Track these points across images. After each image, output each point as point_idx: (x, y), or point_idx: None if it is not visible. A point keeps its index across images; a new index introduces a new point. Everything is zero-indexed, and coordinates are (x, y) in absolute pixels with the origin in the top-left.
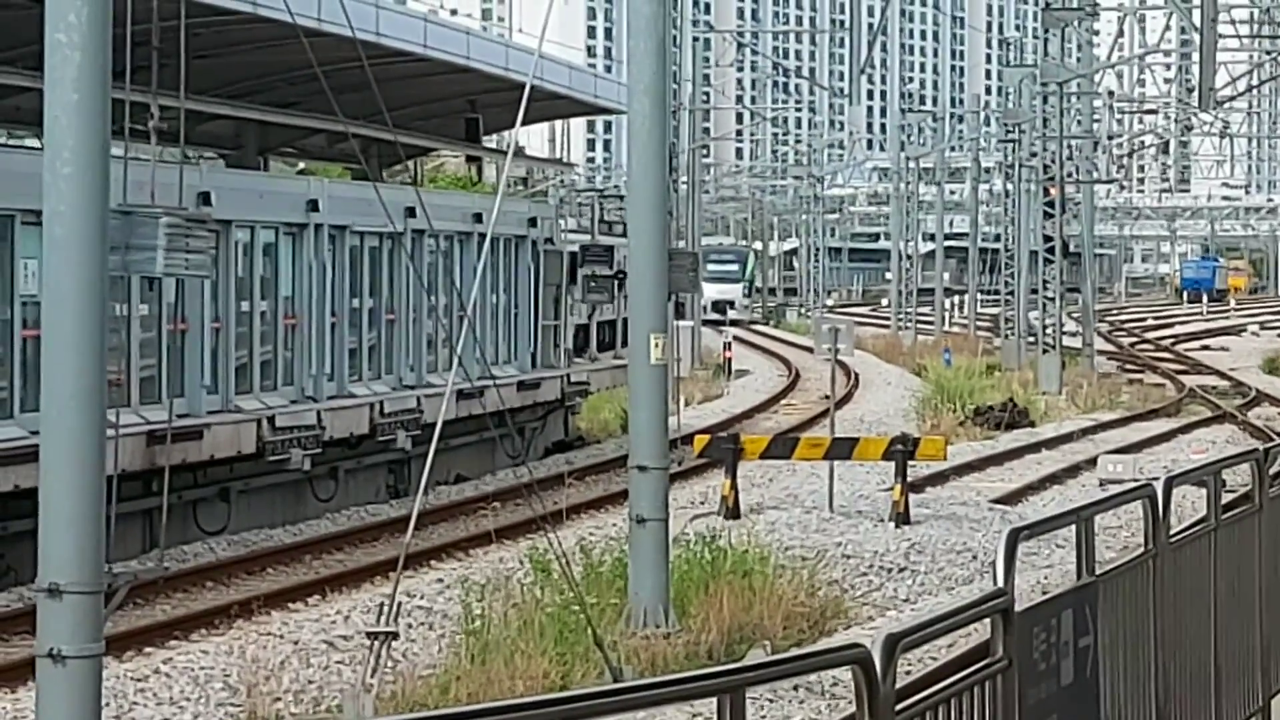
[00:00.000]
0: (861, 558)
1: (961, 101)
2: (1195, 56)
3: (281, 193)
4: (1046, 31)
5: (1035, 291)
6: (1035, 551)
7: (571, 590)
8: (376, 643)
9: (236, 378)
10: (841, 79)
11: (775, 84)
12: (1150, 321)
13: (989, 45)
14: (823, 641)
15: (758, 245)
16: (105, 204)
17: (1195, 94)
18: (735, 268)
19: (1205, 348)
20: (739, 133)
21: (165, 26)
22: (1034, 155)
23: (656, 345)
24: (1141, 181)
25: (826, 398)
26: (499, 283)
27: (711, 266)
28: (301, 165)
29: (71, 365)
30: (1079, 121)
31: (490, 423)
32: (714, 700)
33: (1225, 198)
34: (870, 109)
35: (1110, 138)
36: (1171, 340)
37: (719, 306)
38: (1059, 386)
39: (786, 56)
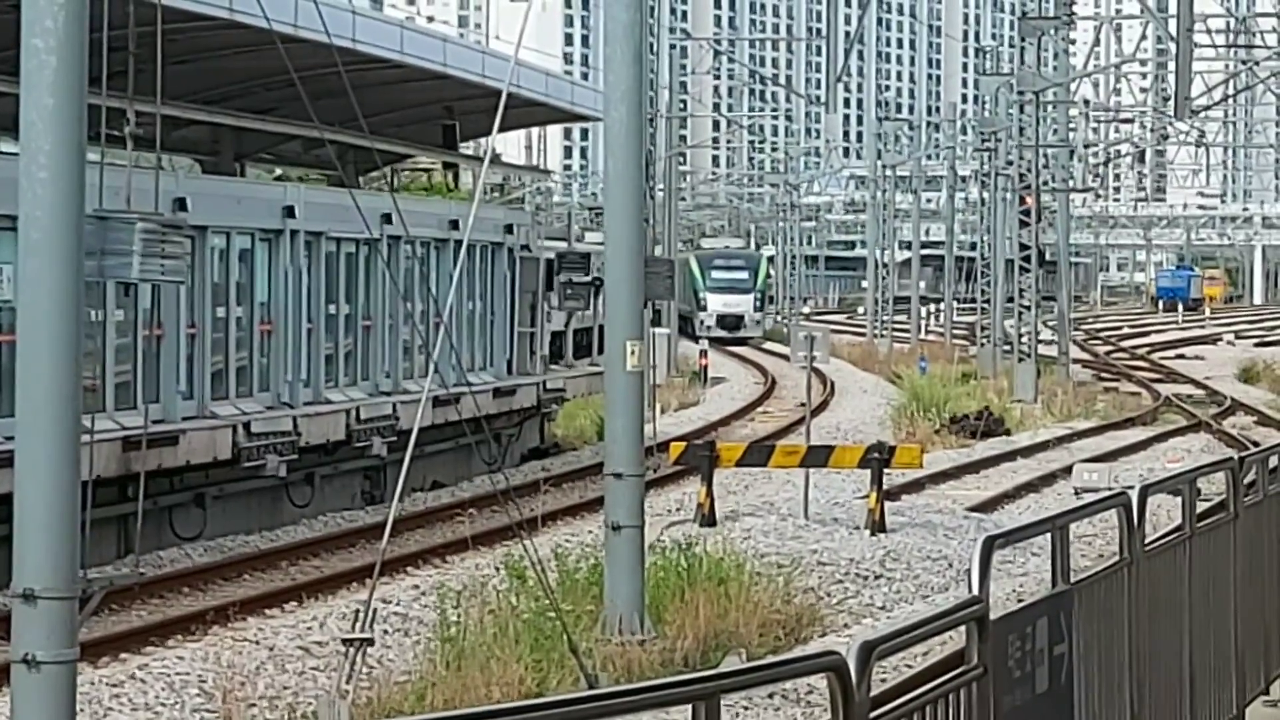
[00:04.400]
0: (837, 565)
1: (938, 110)
2: (1171, 66)
3: (257, 198)
4: (1023, 40)
5: (1011, 300)
6: (1010, 559)
7: (547, 597)
8: (352, 649)
9: (212, 384)
10: (818, 87)
11: (752, 91)
12: (1126, 330)
13: (965, 54)
14: (798, 649)
15: (768, 250)
16: (81, 209)
17: (1171, 103)
18: (745, 276)
19: (1181, 356)
20: (716, 140)
21: (142, 32)
22: (1010, 164)
23: (633, 352)
24: (1117, 190)
25: (802, 405)
26: (475, 289)
27: (716, 274)
28: (278, 171)
29: (47, 370)
30: (1055, 130)
31: (466, 429)
32: (689, 707)
33: (1201, 207)
34: (847, 117)
35: (1086, 146)
36: (1147, 349)
37: (726, 321)
38: (1034, 395)
39: (763, 64)
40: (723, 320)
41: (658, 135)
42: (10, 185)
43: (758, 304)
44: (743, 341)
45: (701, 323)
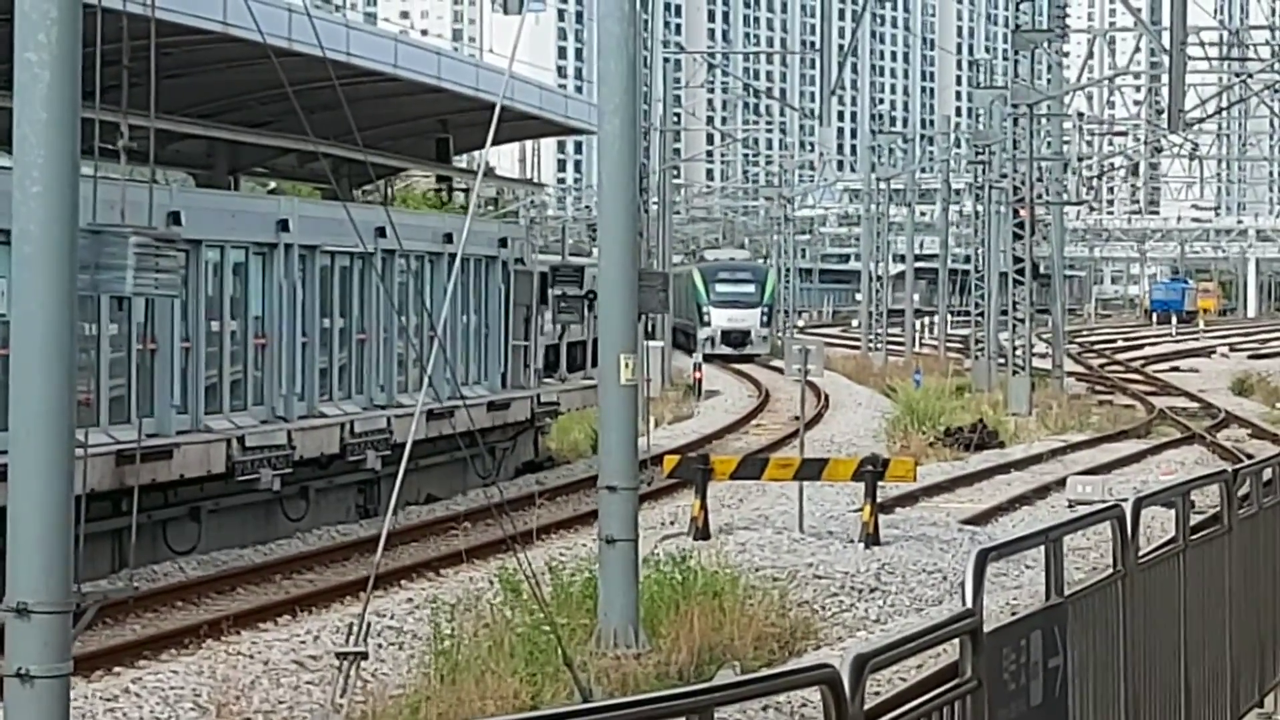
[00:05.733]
0: (831, 578)
1: (932, 123)
2: (1165, 78)
3: (252, 212)
4: (1016, 53)
5: (1005, 313)
6: (1004, 572)
7: (541, 610)
8: (346, 663)
9: (206, 397)
10: (812, 100)
11: (746, 105)
12: (1120, 343)
13: (959, 66)
14: (793, 662)
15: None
16: (74, 223)
17: (1165, 116)
18: (751, 289)
19: (1175, 369)
20: (709, 153)
21: (135, 46)
22: (1004, 177)
23: (626, 366)
24: (1111, 203)
25: (796, 418)
26: (469, 303)
27: (720, 288)
28: (272, 185)
29: (40, 384)
30: (1049, 143)
31: (460, 443)
32: None
33: (1195, 219)
34: (841, 130)
35: (1080, 159)
36: (1141, 361)
37: (732, 338)
38: (1029, 407)
39: (757, 77)
40: (727, 336)
41: (651, 148)
42: (4, 199)
43: (765, 319)
44: (749, 359)
45: (705, 339)
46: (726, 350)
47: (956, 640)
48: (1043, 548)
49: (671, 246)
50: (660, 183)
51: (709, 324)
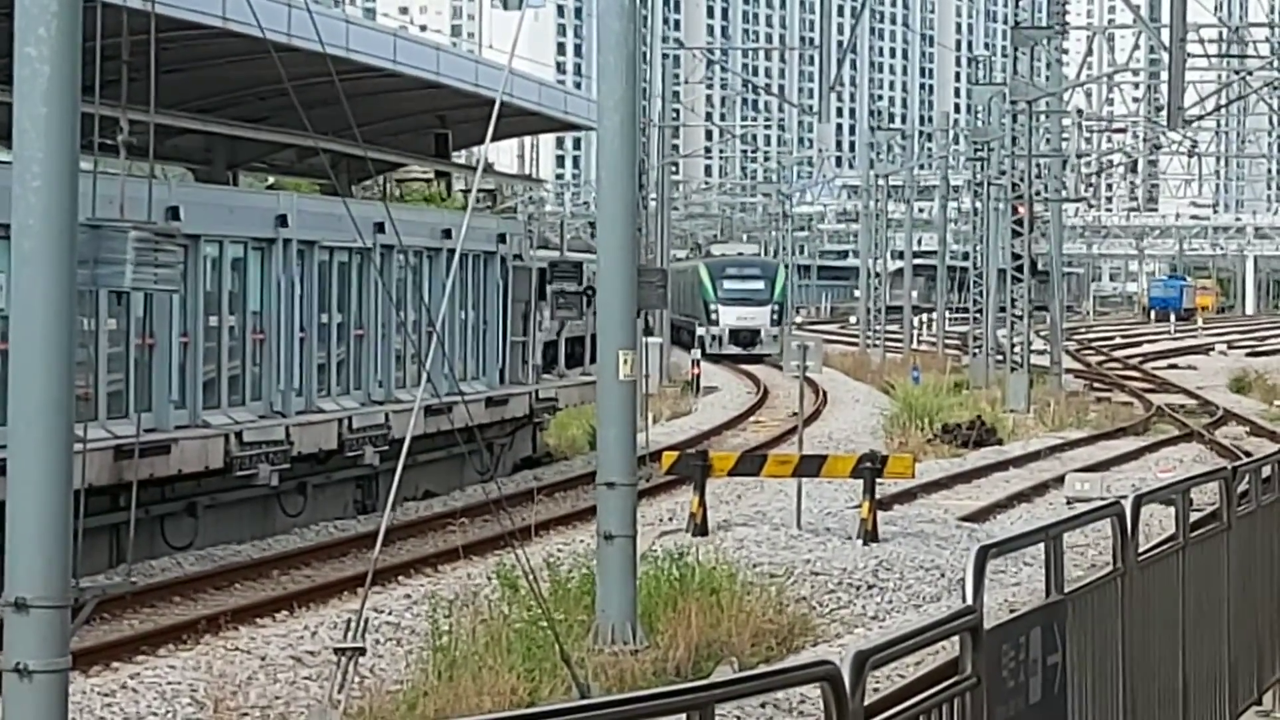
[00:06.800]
0: (830, 575)
1: (931, 119)
2: (1164, 75)
3: (250, 207)
4: (1015, 50)
5: (1003, 310)
6: (1003, 569)
7: (539, 606)
8: (343, 658)
9: (204, 393)
10: (811, 96)
11: (745, 101)
12: (1118, 340)
13: (958, 63)
14: (791, 659)
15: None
16: (74, 218)
17: (1164, 113)
18: (761, 286)
19: (1173, 366)
20: (708, 149)
21: (135, 41)
22: (1003, 173)
23: (625, 362)
24: (1110, 200)
25: (795, 415)
26: (468, 298)
27: (729, 285)
28: (271, 180)
29: (39, 379)
30: (1048, 140)
31: (459, 438)
32: (682, 717)
33: (1193, 217)
34: (840, 126)
35: (1079, 156)
36: (1139, 359)
37: (740, 337)
38: (1027, 405)
39: (756, 74)
40: (736, 335)
41: (650, 144)
42: (3, 194)
43: (775, 317)
44: (758, 359)
45: (712, 337)
46: (735, 350)
47: (956, 637)
48: (1042, 545)
49: (670, 242)
50: (659, 179)
51: (716, 322)
